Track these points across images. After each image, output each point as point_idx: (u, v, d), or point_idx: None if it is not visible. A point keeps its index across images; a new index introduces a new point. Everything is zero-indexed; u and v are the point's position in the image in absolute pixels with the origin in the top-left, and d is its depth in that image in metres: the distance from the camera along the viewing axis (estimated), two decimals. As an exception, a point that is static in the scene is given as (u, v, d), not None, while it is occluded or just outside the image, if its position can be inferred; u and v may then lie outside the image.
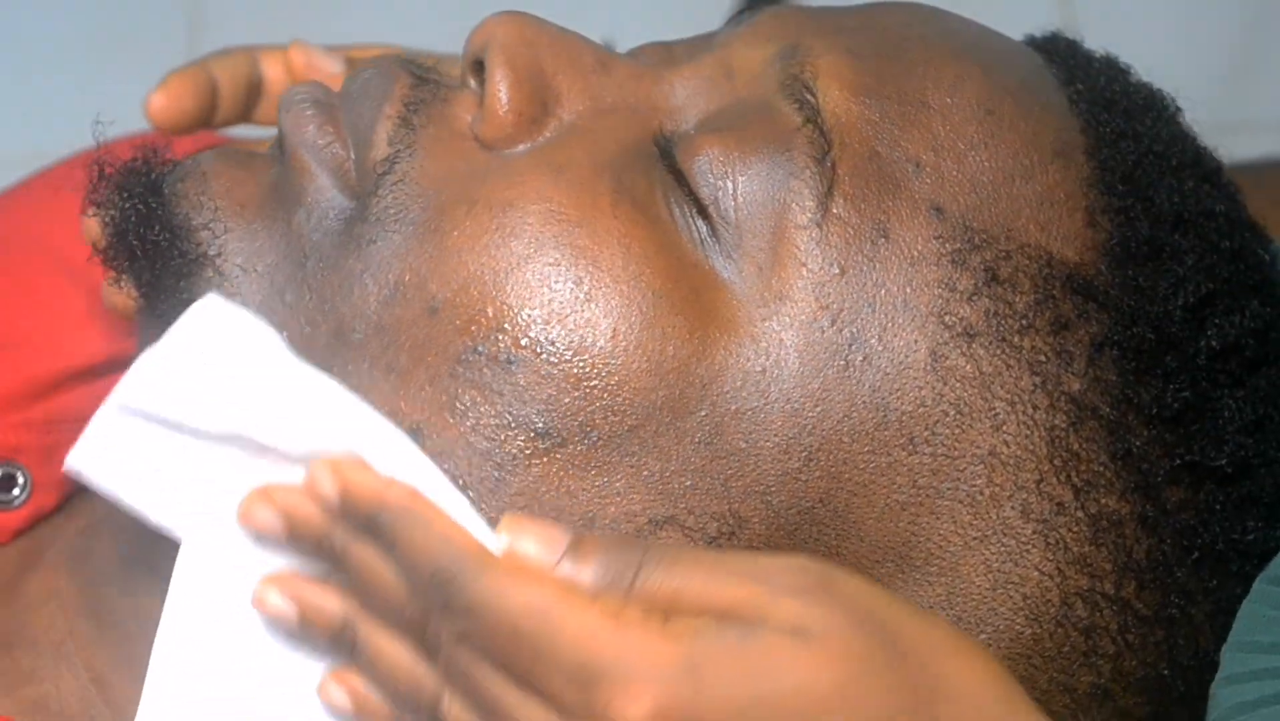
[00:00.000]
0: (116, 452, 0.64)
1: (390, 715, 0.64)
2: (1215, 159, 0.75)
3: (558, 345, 0.66)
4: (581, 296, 0.67)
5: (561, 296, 0.67)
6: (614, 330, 0.67)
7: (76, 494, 0.83)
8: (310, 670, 0.65)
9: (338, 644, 0.64)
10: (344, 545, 0.62)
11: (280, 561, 0.64)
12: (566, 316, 0.67)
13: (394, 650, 0.63)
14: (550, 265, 0.67)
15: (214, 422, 0.63)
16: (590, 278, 0.67)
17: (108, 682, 0.73)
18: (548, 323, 0.67)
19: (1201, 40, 1.57)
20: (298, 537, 0.63)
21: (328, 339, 0.68)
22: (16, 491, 0.81)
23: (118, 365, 0.84)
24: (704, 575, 0.60)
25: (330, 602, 0.63)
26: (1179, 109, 0.76)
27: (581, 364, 0.66)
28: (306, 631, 0.64)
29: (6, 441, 0.82)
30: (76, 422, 0.83)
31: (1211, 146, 0.76)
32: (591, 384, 0.66)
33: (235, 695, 0.65)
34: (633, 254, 0.67)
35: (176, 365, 0.64)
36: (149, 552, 0.73)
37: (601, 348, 0.66)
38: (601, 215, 0.67)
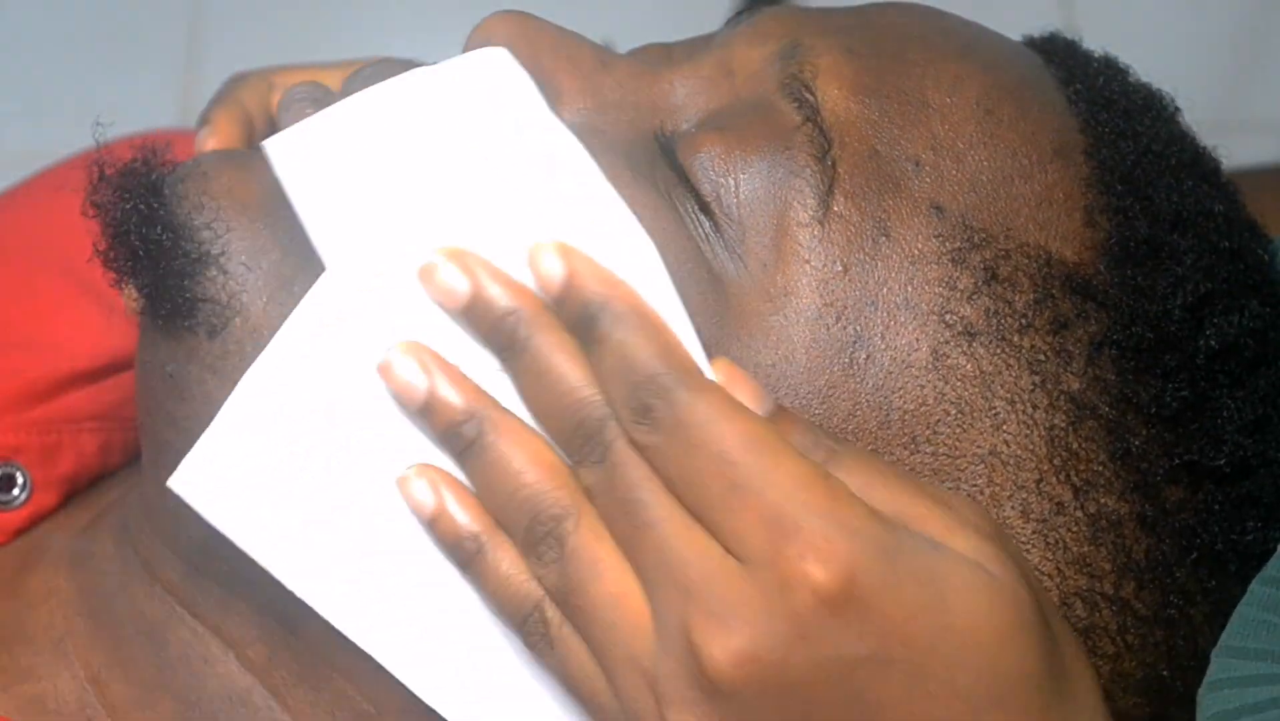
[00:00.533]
0: (319, 157, 0.64)
1: (469, 531, 0.63)
2: (1214, 159, 0.75)
3: None
4: None
5: None
6: None
7: (76, 494, 0.83)
8: (401, 454, 0.64)
9: (453, 437, 0.63)
10: (528, 331, 0.62)
11: (417, 327, 0.63)
12: None
13: (525, 451, 0.62)
14: None
15: (440, 159, 0.63)
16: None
17: (104, 682, 0.72)
18: None
19: (1202, 40, 1.57)
20: (476, 310, 0.63)
21: None
22: (16, 491, 0.81)
23: (119, 367, 0.85)
24: (896, 480, 0.61)
25: (462, 390, 0.63)
26: (1178, 109, 0.76)
27: None
28: (429, 411, 0.63)
29: (6, 442, 0.82)
30: (77, 423, 0.84)
31: (1211, 147, 0.76)
32: None
33: (313, 449, 0.65)
34: (657, 231, 0.66)
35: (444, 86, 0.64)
36: (147, 555, 0.73)
37: None
38: (623, 187, 0.67)
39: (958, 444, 0.67)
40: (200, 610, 0.72)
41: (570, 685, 0.63)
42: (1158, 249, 0.69)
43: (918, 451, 0.66)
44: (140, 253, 0.69)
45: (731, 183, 0.67)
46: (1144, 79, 0.76)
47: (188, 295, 0.68)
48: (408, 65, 0.73)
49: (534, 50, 0.70)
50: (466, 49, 0.71)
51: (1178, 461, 0.68)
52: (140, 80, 1.54)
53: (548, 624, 0.63)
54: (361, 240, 0.64)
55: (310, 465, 0.65)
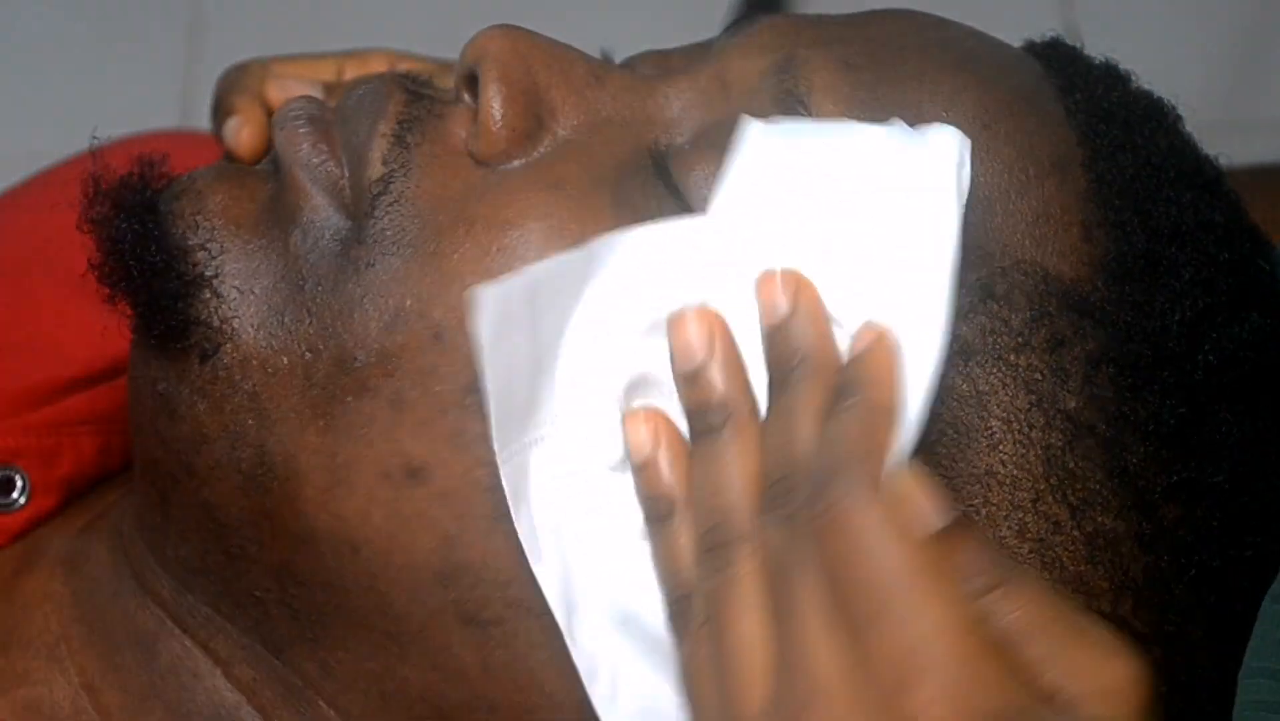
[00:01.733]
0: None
1: (669, 492, 0.64)
2: (1215, 167, 0.75)
3: None
4: None
5: None
6: None
7: (75, 496, 0.83)
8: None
9: (698, 415, 0.64)
10: (801, 374, 0.62)
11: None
12: None
13: (751, 467, 0.62)
14: None
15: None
16: None
17: (97, 689, 0.72)
18: None
19: (1202, 40, 1.57)
20: (781, 332, 0.63)
21: (329, 367, 0.67)
22: (16, 494, 0.81)
23: (119, 371, 0.85)
24: (1048, 635, 0.58)
25: (731, 378, 0.64)
26: (1179, 117, 0.75)
27: None
28: (693, 381, 0.64)
29: (6, 445, 0.82)
30: (76, 426, 0.84)
31: (1213, 153, 0.75)
32: None
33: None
34: None
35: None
36: (138, 567, 0.73)
37: None
38: (603, 229, 0.67)
39: (953, 464, 0.66)
40: (189, 626, 0.72)
41: (685, 680, 0.63)
42: (1156, 264, 0.69)
43: None
44: (134, 273, 0.69)
45: None
46: (1144, 79, 0.76)
47: (181, 317, 0.68)
48: (402, 76, 0.72)
49: (527, 65, 0.69)
50: (460, 64, 0.70)
51: (1176, 479, 0.68)
52: (140, 80, 1.54)
53: (692, 615, 0.63)
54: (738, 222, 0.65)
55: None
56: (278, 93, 0.83)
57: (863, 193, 0.64)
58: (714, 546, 0.62)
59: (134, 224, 0.70)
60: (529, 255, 0.66)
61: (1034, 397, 0.67)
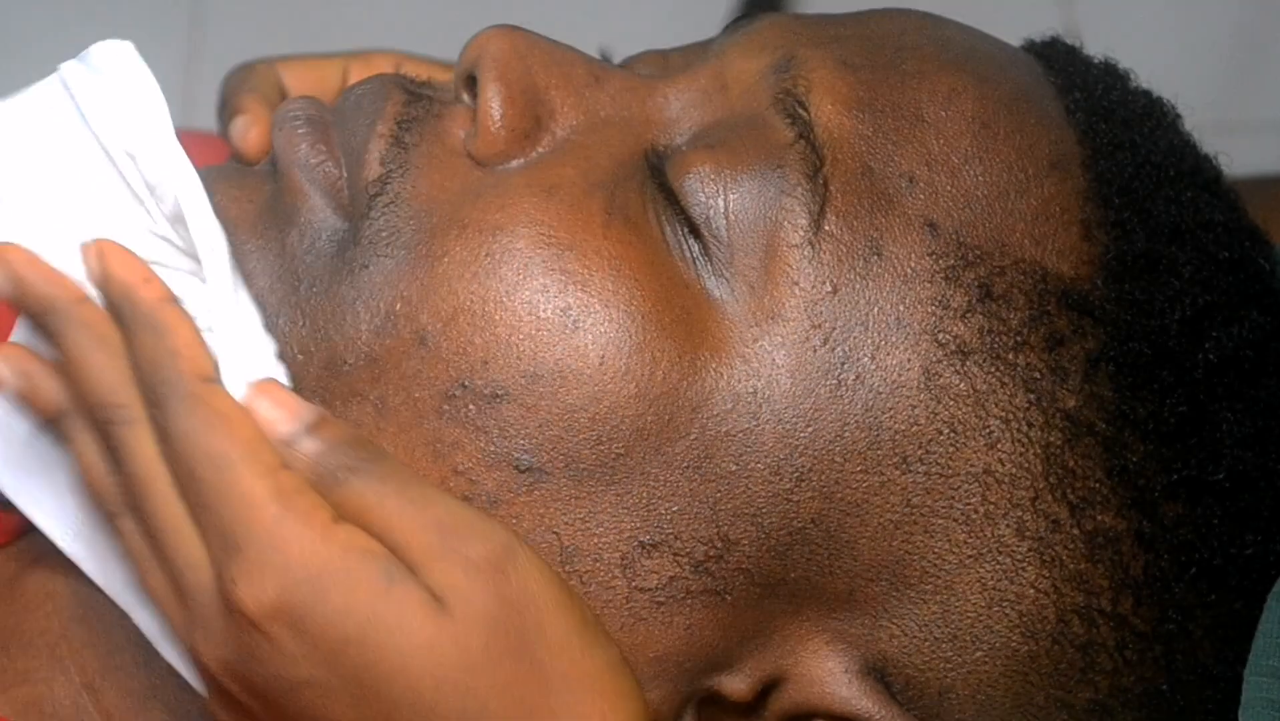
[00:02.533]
0: None
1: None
2: (1215, 166, 0.75)
3: (545, 377, 0.66)
4: (569, 324, 0.66)
5: (549, 325, 0.66)
6: (602, 358, 0.66)
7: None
8: None
9: (53, 428, 0.67)
10: (64, 323, 0.65)
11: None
12: (554, 345, 0.66)
13: (90, 451, 0.66)
14: (539, 292, 0.66)
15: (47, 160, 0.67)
16: (579, 304, 0.66)
17: (98, 690, 0.72)
18: (535, 354, 0.66)
19: (1202, 40, 1.57)
20: (23, 302, 0.66)
21: (319, 371, 0.68)
22: (15, 493, 0.81)
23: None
24: (403, 504, 0.63)
25: (50, 387, 0.66)
26: (1178, 115, 0.75)
27: (568, 395, 0.66)
28: (25, 407, 0.66)
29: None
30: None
31: (1212, 152, 0.75)
32: (578, 415, 0.66)
33: None
34: (623, 276, 0.67)
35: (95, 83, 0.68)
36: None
37: (589, 376, 0.66)
38: (592, 237, 0.67)
39: (951, 463, 0.66)
40: None
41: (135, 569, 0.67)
42: (1156, 262, 0.69)
43: (909, 471, 0.66)
44: None
45: (721, 203, 0.67)
46: (1144, 79, 0.76)
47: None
48: (401, 77, 0.72)
49: (526, 65, 0.69)
50: (459, 65, 0.71)
51: (1176, 477, 0.68)
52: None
53: (123, 534, 0.66)
54: None
55: None
56: (285, 93, 0.83)
57: (54, 134, 0.67)
58: (113, 533, 0.66)
59: None
60: (515, 261, 0.67)
61: (1033, 396, 0.67)
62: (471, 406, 0.66)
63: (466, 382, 0.66)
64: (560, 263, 0.67)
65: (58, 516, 0.69)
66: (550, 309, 0.66)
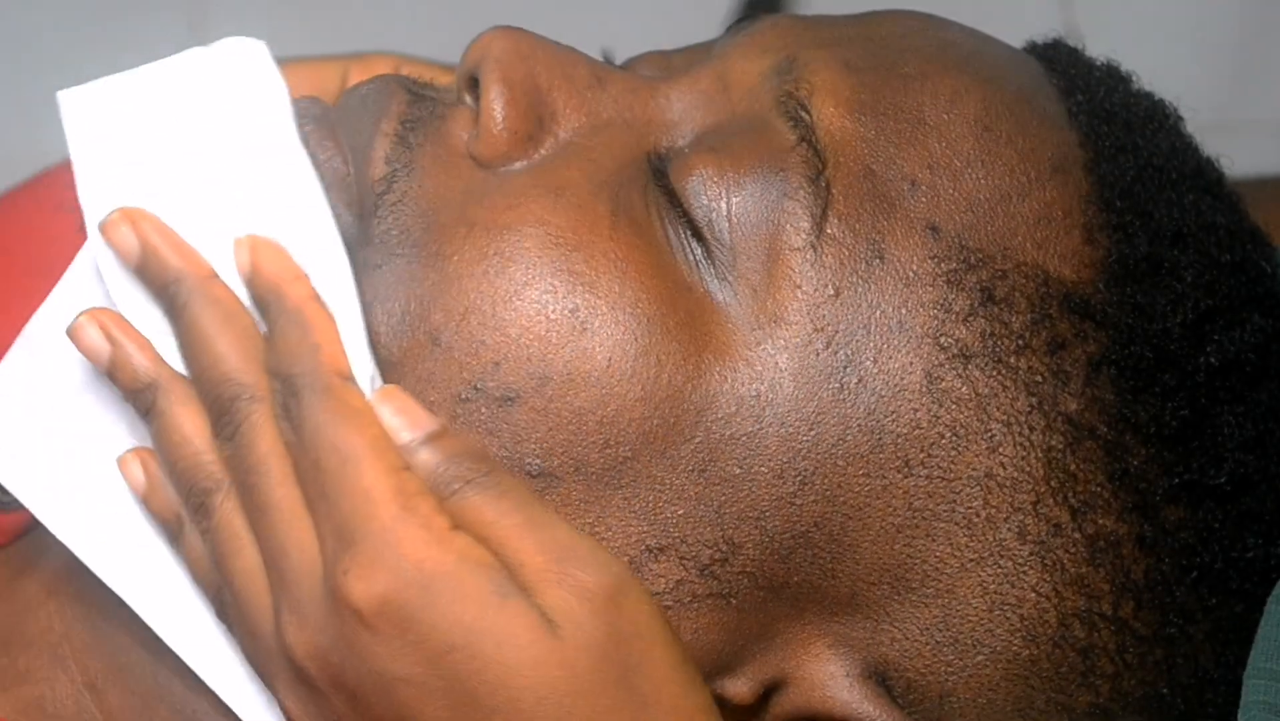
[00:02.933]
0: (101, 120, 0.68)
1: (172, 512, 0.66)
2: (1217, 169, 0.75)
3: (554, 380, 0.66)
4: (578, 326, 0.66)
5: (559, 326, 0.66)
6: (609, 360, 0.66)
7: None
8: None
9: (135, 400, 0.67)
10: (187, 297, 0.65)
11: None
12: (564, 347, 0.66)
13: (190, 423, 0.65)
14: (548, 292, 0.67)
15: (183, 142, 0.67)
16: (586, 305, 0.66)
17: (100, 690, 0.72)
18: (545, 356, 0.66)
19: (1202, 40, 1.56)
20: (148, 270, 0.66)
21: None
22: (16, 494, 0.81)
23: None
24: (520, 522, 0.63)
25: (139, 356, 0.66)
26: (1180, 118, 0.75)
27: (577, 398, 0.66)
28: (114, 374, 0.66)
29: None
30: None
31: (1214, 154, 0.75)
32: (586, 419, 0.66)
33: (64, 413, 0.69)
34: (629, 279, 0.67)
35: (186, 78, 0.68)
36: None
37: (597, 379, 0.66)
38: (600, 238, 0.67)
39: (952, 466, 0.66)
40: None
41: (248, 661, 0.67)
42: (1158, 266, 0.69)
43: (911, 475, 0.66)
44: None
45: (724, 206, 0.67)
46: (1145, 80, 0.76)
47: None
48: (404, 79, 0.72)
49: (528, 67, 0.69)
50: (461, 66, 0.71)
51: (1177, 481, 0.68)
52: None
53: (225, 606, 0.66)
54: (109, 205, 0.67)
55: (69, 423, 0.69)
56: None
57: (194, 121, 0.68)
58: (195, 510, 0.66)
59: None
60: (523, 261, 0.67)
61: (1034, 400, 0.67)
62: (484, 410, 0.66)
63: (479, 385, 0.66)
64: (568, 263, 0.67)
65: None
66: (559, 310, 0.66)
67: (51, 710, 0.72)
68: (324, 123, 0.70)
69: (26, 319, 0.87)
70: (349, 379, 0.64)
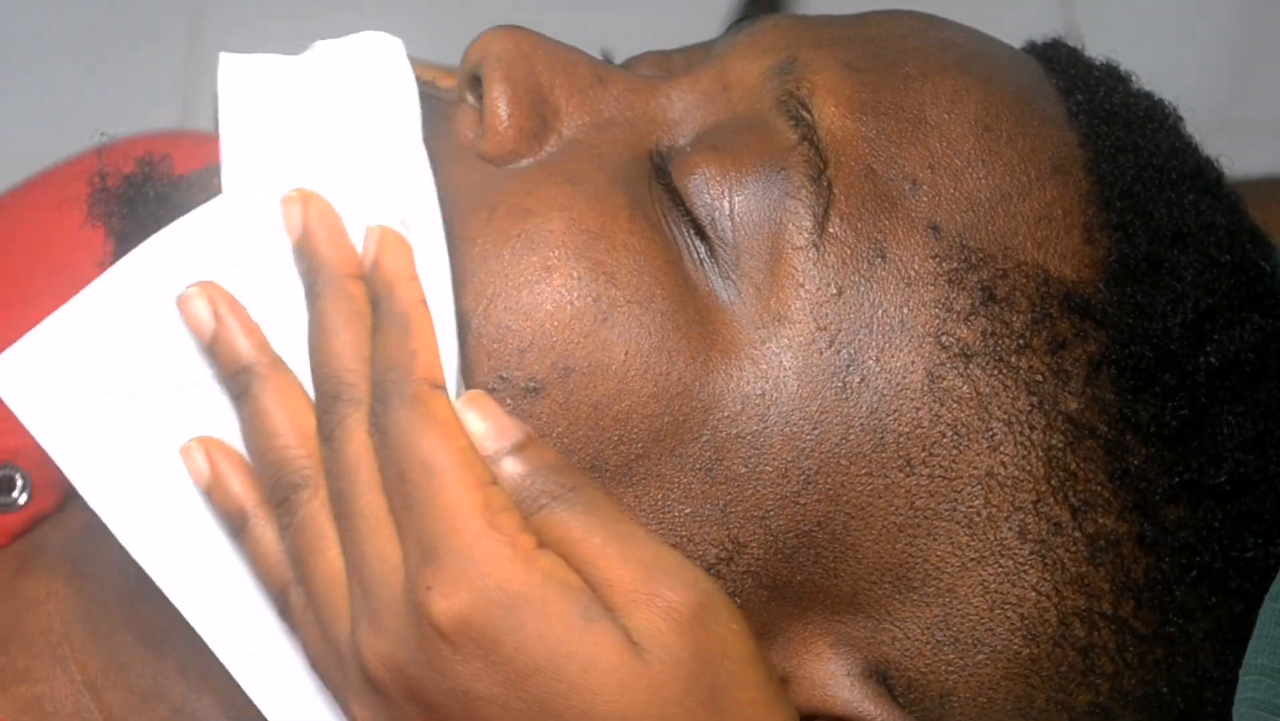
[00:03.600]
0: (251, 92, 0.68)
1: (236, 504, 0.65)
2: (1216, 169, 0.75)
3: (576, 371, 0.66)
4: (600, 315, 0.66)
5: (583, 315, 0.67)
6: (626, 352, 0.66)
7: (75, 496, 0.83)
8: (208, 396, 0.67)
9: (230, 382, 0.66)
10: (320, 287, 0.65)
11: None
12: (587, 336, 0.66)
13: (283, 414, 0.64)
14: (572, 278, 0.67)
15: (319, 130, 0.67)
16: (608, 296, 0.67)
17: (100, 689, 0.72)
18: (569, 345, 0.66)
19: (1202, 40, 1.57)
20: (301, 248, 0.66)
21: None
22: (16, 493, 0.81)
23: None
24: (606, 540, 0.62)
25: (244, 339, 0.65)
26: (1180, 118, 0.75)
27: (595, 391, 0.66)
28: (214, 352, 0.66)
29: (6, 445, 0.82)
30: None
31: (1214, 154, 0.75)
32: (604, 413, 0.66)
33: (136, 375, 0.67)
34: (646, 271, 0.67)
35: (305, 72, 0.69)
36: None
37: (614, 372, 0.66)
38: (619, 229, 0.67)
39: (954, 465, 0.66)
40: None
41: (312, 665, 0.65)
42: (1158, 265, 0.69)
43: (913, 474, 0.66)
44: None
45: (726, 205, 0.67)
46: (1144, 80, 0.76)
47: None
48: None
49: (530, 65, 0.70)
50: (463, 65, 0.71)
51: (1177, 480, 0.68)
52: (140, 80, 1.54)
53: (291, 606, 0.65)
54: (246, 178, 0.67)
55: (130, 392, 0.67)
56: None
57: (338, 109, 0.68)
58: (279, 503, 0.64)
59: (148, 215, 0.70)
60: (548, 245, 0.67)
61: (1035, 399, 0.67)
62: (509, 401, 0.66)
63: (505, 374, 0.66)
64: (591, 251, 0.67)
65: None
66: (583, 298, 0.66)
67: (51, 709, 0.73)
68: None
69: (29, 314, 0.87)
70: (439, 387, 0.63)
